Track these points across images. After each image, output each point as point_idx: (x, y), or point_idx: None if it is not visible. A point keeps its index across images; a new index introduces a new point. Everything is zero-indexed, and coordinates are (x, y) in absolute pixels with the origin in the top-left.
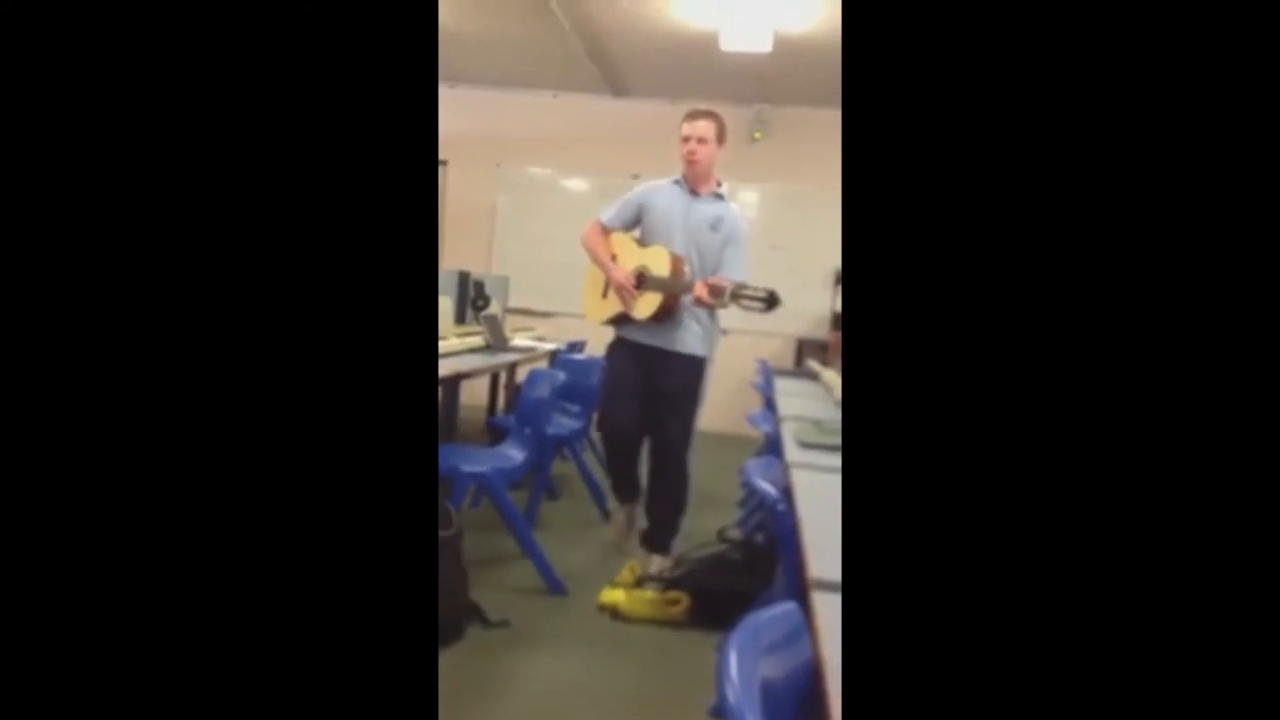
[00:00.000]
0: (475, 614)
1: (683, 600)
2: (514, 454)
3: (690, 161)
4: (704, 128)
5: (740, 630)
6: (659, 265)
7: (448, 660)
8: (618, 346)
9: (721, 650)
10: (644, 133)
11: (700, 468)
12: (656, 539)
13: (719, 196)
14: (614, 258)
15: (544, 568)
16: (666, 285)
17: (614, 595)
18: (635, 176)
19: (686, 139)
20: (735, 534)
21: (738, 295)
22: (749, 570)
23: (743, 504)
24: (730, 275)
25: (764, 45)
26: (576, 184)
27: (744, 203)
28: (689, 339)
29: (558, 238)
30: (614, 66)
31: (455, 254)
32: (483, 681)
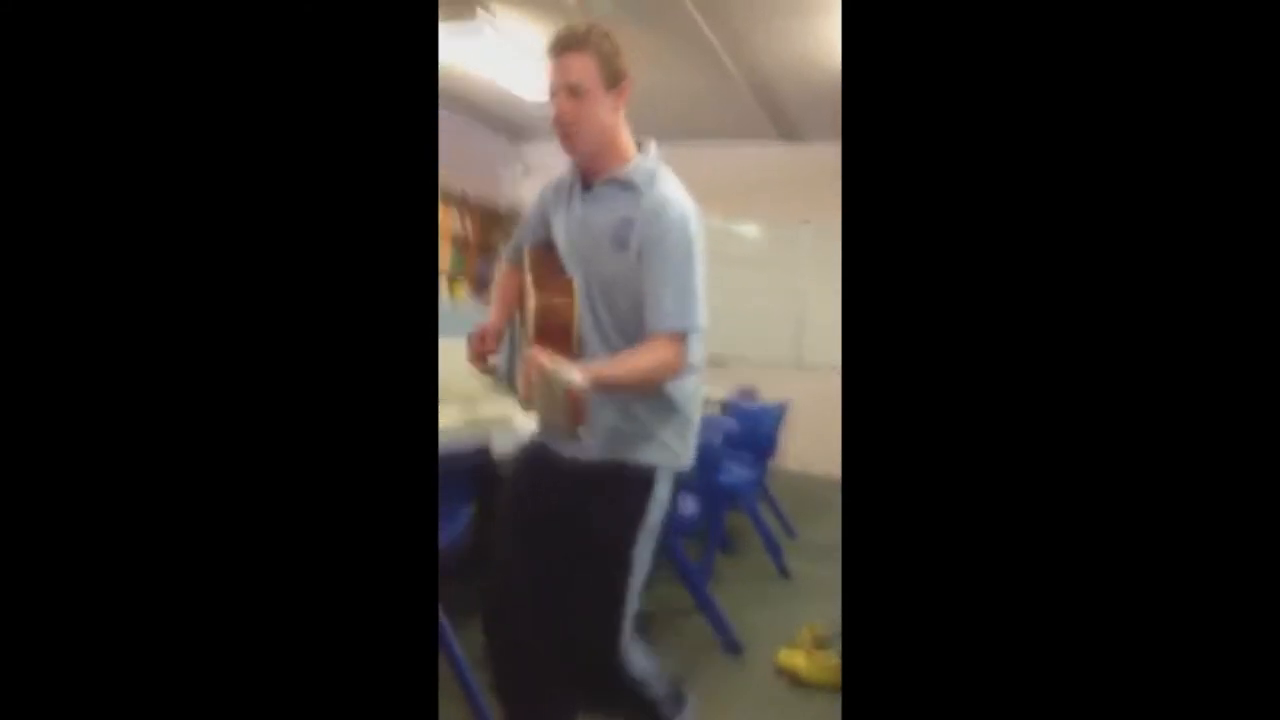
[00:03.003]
0: None
1: None
2: (687, 503)
3: (558, 126)
4: (578, 69)
5: None
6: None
7: None
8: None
9: None
10: (814, 176)
11: None
12: None
13: (625, 185)
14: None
15: (721, 624)
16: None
17: (793, 659)
18: (805, 222)
19: (553, 93)
20: None
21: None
22: None
23: None
24: (656, 322)
25: None
26: (748, 231)
27: None
28: (595, 437)
29: (730, 286)
30: (782, 111)
31: None
32: None
